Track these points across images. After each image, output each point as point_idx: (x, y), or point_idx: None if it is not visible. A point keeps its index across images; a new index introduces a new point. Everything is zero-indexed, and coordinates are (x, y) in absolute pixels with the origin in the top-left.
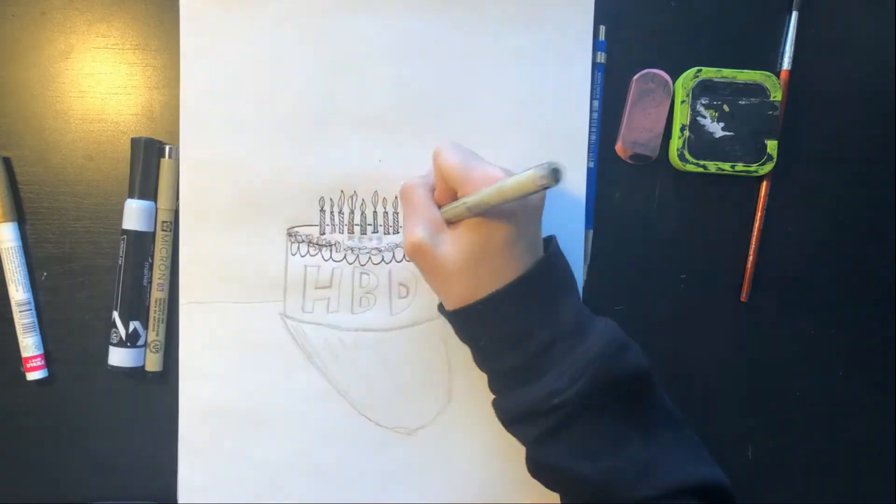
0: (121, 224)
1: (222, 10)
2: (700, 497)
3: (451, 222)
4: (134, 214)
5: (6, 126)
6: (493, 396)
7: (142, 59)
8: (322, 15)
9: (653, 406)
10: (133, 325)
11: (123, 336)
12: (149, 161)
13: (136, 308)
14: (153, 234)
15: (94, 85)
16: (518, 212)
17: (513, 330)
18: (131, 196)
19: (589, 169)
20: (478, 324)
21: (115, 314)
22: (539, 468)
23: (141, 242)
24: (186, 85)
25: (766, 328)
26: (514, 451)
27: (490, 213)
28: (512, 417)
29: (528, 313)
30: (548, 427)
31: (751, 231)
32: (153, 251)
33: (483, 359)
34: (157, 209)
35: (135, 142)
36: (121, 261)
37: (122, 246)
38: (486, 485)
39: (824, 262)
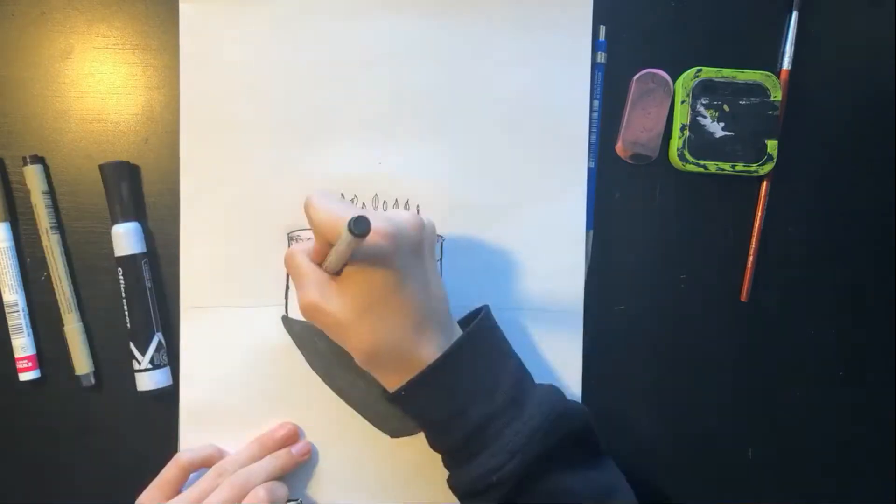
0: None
1: (222, 11)
2: None
3: (336, 275)
4: (123, 240)
5: (6, 126)
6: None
7: (142, 59)
8: (322, 17)
9: (602, 470)
10: (151, 348)
11: (146, 363)
12: (123, 183)
13: (150, 331)
14: (146, 252)
15: (94, 85)
16: (391, 253)
17: (444, 412)
18: (115, 221)
19: (589, 169)
20: (410, 408)
21: (132, 345)
22: None
23: (136, 265)
24: (186, 85)
25: (766, 328)
26: None
27: (364, 260)
28: (462, 494)
29: (458, 393)
30: (495, 502)
31: (751, 231)
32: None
33: (429, 439)
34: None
35: (104, 168)
36: (122, 291)
37: (120, 274)
38: None
39: (824, 262)
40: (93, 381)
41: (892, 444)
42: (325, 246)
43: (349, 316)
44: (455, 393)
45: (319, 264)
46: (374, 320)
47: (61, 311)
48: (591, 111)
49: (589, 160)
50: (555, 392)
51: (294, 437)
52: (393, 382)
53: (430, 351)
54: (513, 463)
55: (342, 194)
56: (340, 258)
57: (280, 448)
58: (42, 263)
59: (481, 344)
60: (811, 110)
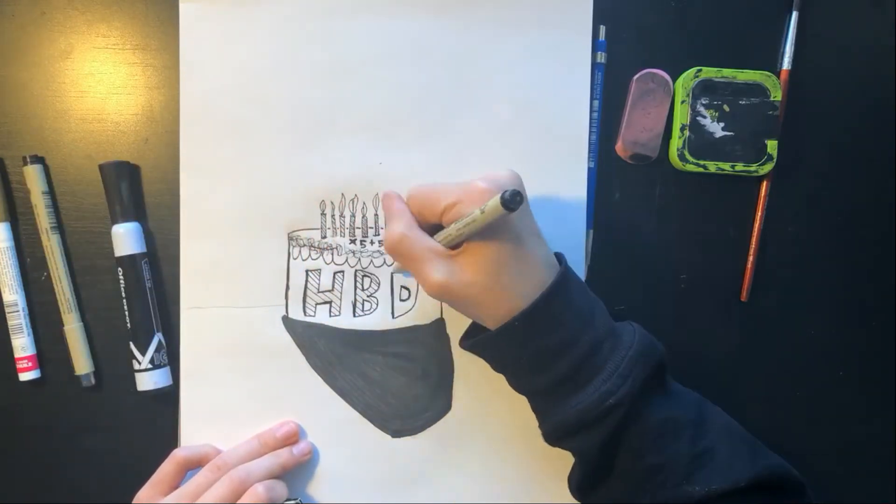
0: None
1: (222, 11)
2: (761, 491)
3: (452, 248)
4: (123, 240)
5: (6, 126)
6: (536, 419)
7: (142, 59)
8: (322, 17)
9: (688, 394)
10: (151, 348)
11: (146, 363)
12: (123, 183)
13: (150, 331)
14: (146, 252)
15: (94, 85)
16: (513, 216)
17: (557, 339)
18: (115, 221)
19: (589, 169)
20: (521, 339)
21: (132, 345)
22: (589, 480)
23: (137, 265)
24: (186, 85)
25: (766, 328)
26: (514, 453)
27: (483, 231)
28: (566, 431)
29: (567, 320)
30: (608, 432)
31: (751, 231)
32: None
33: (526, 377)
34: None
35: (104, 168)
36: (122, 291)
37: (120, 275)
38: (487, 487)
39: (824, 262)
40: (93, 381)
41: (892, 444)
42: (426, 228)
43: (485, 283)
44: (562, 321)
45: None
46: (506, 284)
47: (61, 311)
48: (592, 111)
49: (589, 160)
50: (637, 324)
51: (295, 436)
52: (479, 322)
53: (515, 299)
54: (626, 385)
55: (342, 194)
56: (471, 231)
57: (281, 446)
58: (42, 263)
59: (574, 279)
60: (811, 110)
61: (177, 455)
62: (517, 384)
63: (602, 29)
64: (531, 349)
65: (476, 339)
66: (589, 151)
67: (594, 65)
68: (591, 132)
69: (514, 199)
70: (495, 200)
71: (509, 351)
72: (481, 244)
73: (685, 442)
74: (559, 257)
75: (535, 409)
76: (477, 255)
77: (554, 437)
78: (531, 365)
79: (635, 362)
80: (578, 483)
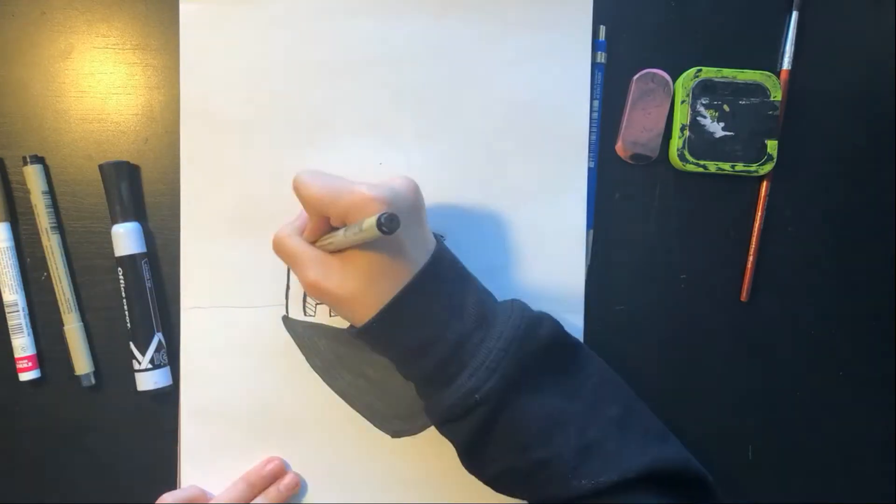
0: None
1: (222, 11)
2: (651, 484)
3: (333, 253)
4: (123, 240)
5: (6, 126)
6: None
7: (142, 59)
8: (322, 17)
9: (589, 384)
10: (151, 348)
11: (146, 363)
12: (123, 183)
13: (150, 331)
14: (146, 252)
15: (94, 85)
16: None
17: (418, 337)
18: (115, 221)
19: (589, 169)
20: (385, 336)
21: (132, 345)
22: (472, 466)
23: (137, 265)
24: (186, 85)
25: (766, 328)
26: None
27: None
28: (440, 420)
29: (430, 314)
30: (476, 425)
31: (751, 231)
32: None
33: (400, 369)
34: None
35: (104, 168)
36: (122, 291)
37: (120, 275)
38: (487, 488)
39: (824, 261)
40: (93, 381)
41: (892, 444)
42: (321, 223)
43: (355, 291)
44: (425, 316)
45: (312, 242)
46: (380, 289)
47: (61, 311)
48: (592, 111)
49: (589, 160)
50: (519, 304)
51: (281, 471)
52: (347, 317)
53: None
54: (493, 379)
55: None
56: (350, 243)
57: (268, 484)
58: (42, 263)
59: (441, 270)
60: (811, 110)
61: (163, 501)
62: (399, 371)
63: (602, 29)
64: (395, 346)
65: (349, 332)
66: (589, 151)
67: (594, 65)
68: (591, 132)
69: (389, 223)
70: (371, 221)
71: (377, 347)
72: (359, 252)
73: (572, 434)
74: (436, 242)
75: (418, 394)
76: (353, 261)
77: (434, 423)
78: (398, 360)
79: (504, 353)
80: (466, 465)
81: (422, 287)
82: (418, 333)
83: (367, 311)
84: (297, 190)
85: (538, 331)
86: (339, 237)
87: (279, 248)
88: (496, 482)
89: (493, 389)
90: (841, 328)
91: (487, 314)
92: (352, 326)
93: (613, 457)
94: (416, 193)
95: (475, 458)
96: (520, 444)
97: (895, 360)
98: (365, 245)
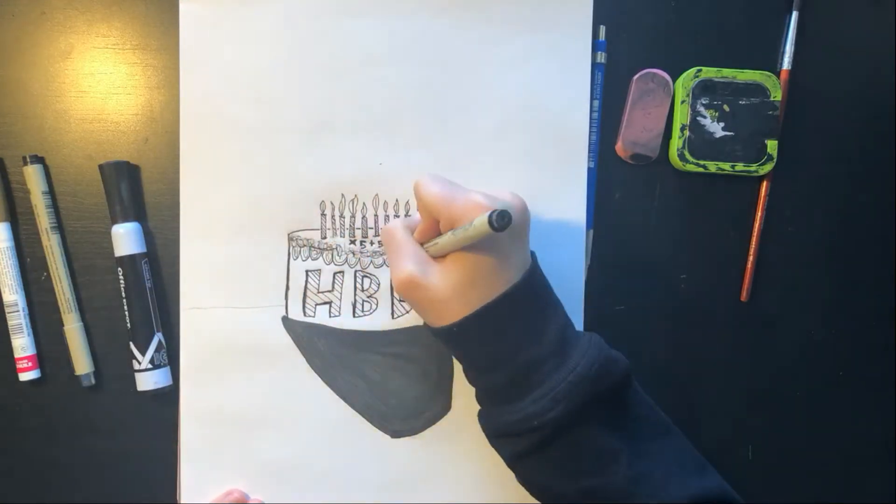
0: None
1: (221, 11)
2: None
3: (435, 257)
4: (123, 240)
5: (6, 126)
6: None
7: (142, 59)
8: (323, 17)
9: (639, 417)
10: (151, 348)
11: (146, 363)
12: (123, 183)
13: (150, 331)
14: (146, 252)
15: (94, 85)
16: (500, 238)
17: (497, 349)
18: (115, 221)
19: (589, 169)
20: (464, 341)
21: (132, 345)
22: (521, 481)
23: (137, 265)
24: (186, 85)
25: (766, 328)
26: None
27: (471, 245)
28: (493, 433)
29: (513, 331)
30: (527, 446)
31: (751, 231)
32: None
33: (470, 374)
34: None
35: (104, 168)
36: (122, 291)
37: (120, 275)
38: (487, 488)
39: (824, 261)
40: (93, 381)
41: (892, 444)
42: (432, 226)
43: (448, 294)
44: (502, 335)
45: (421, 243)
46: (471, 297)
47: (61, 311)
48: (592, 111)
49: (589, 160)
50: (598, 341)
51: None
52: (430, 318)
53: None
54: (556, 410)
55: (342, 194)
56: (458, 244)
57: None
58: (42, 263)
59: (531, 291)
60: (811, 110)
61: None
62: (465, 374)
63: (602, 29)
64: (466, 358)
65: (428, 329)
66: (589, 151)
67: (594, 65)
68: (591, 132)
69: (501, 220)
70: (482, 218)
71: (453, 348)
72: (462, 255)
73: (622, 466)
74: (532, 264)
75: (477, 399)
76: (456, 265)
77: (486, 433)
78: (474, 365)
79: (574, 387)
80: (510, 466)
81: (508, 305)
82: (492, 349)
83: (453, 313)
84: (417, 189)
85: (611, 371)
86: (447, 237)
87: (388, 236)
88: (538, 493)
89: (554, 419)
90: (841, 328)
91: (566, 345)
92: (428, 324)
93: (659, 490)
94: (524, 210)
95: (520, 468)
96: (570, 471)
97: (895, 361)
98: (470, 247)
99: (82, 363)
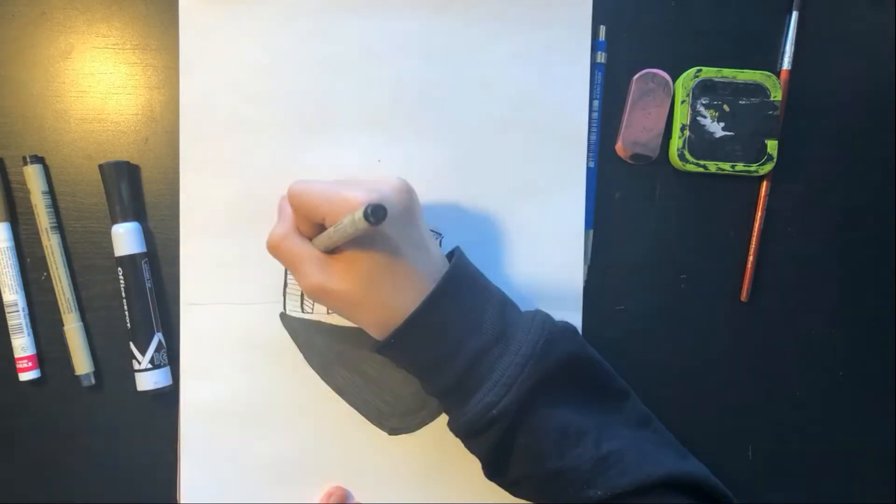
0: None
1: (221, 10)
2: (669, 490)
3: (329, 252)
4: (123, 240)
5: (6, 126)
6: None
7: (142, 59)
8: (322, 15)
9: (603, 393)
10: (151, 348)
11: (146, 363)
12: (123, 183)
13: (150, 331)
14: (146, 252)
15: (94, 85)
16: (390, 229)
17: (439, 351)
18: (115, 221)
19: (589, 169)
20: (401, 355)
21: (132, 345)
22: (493, 475)
23: (137, 265)
24: (186, 85)
25: (766, 328)
26: None
27: (358, 240)
28: (463, 435)
29: (450, 328)
30: (494, 440)
31: (751, 231)
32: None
33: (424, 384)
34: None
35: (104, 168)
36: (122, 291)
37: (120, 275)
38: (484, 486)
39: (824, 261)
40: (93, 381)
41: (892, 444)
42: (310, 226)
43: (358, 293)
44: (442, 333)
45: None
46: (381, 298)
47: (61, 311)
48: (591, 111)
49: (589, 160)
50: (541, 317)
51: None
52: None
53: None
54: (509, 396)
55: None
56: (341, 239)
57: None
58: (42, 263)
59: (460, 282)
60: (811, 110)
61: None
62: (422, 387)
63: (602, 29)
64: (413, 363)
65: (370, 348)
66: (589, 151)
67: (594, 64)
68: (591, 132)
69: (376, 214)
70: (358, 214)
71: (396, 362)
72: (356, 253)
73: (588, 446)
74: (452, 257)
75: (440, 409)
76: (351, 263)
77: (458, 437)
78: (418, 375)
79: (521, 369)
80: (487, 475)
81: (437, 303)
82: (434, 351)
83: (375, 316)
84: (293, 198)
85: (557, 347)
86: (329, 232)
87: (278, 250)
88: (515, 488)
89: (510, 405)
90: (841, 328)
91: (507, 328)
92: (370, 340)
93: (631, 468)
94: (407, 194)
95: (496, 469)
96: (536, 455)
97: (895, 360)
98: (361, 244)
99: (82, 363)
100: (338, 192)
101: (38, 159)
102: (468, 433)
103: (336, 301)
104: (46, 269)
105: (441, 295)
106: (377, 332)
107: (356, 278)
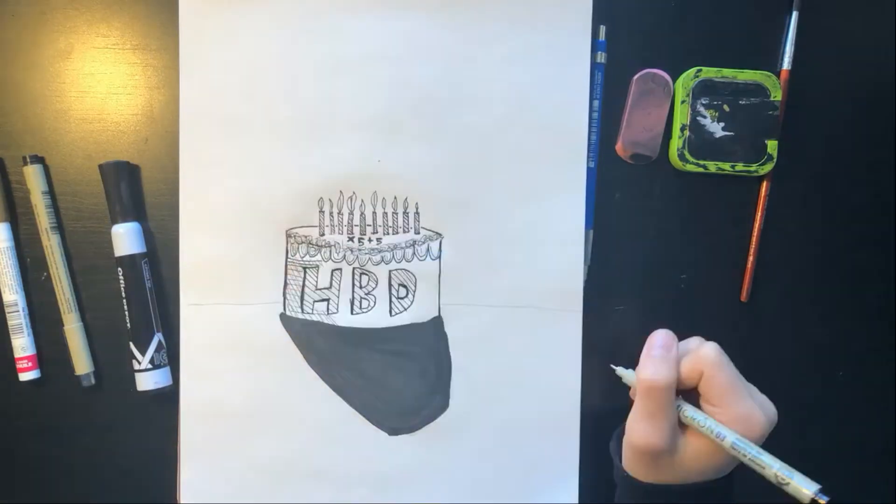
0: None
1: (221, 10)
2: None
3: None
4: (123, 240)
5: (6, 126)
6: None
7: (142, 59)
8: (322, 15)
9: None
10: (151, 348)
11: (146, 363)
12: (123, 183)
13: (150, 331)
14: (146, 252)
15: (94, 85)
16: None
17: None
18: (115, 221)
19: (589, 169)
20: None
21: (132, 345)
22: None
23: (137, 265)
24: (186, 85)
25: (766, 328)
26: (512, 452)
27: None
28: None
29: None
30: None
31: (751, 231)
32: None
33: None
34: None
35: (104, 167)
36: (122, 291)
37: (120, 275)
38: (485, 486)
39: (824, 262)
40: (93, 380)
41: (892, 444)
42: (683, 381)
43: (682, 474)
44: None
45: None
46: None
47: (61, 311)
48: (592, 111)
49: (589, 160)
50: None
51: None
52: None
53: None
54: None
55: (341, 191)
56: (723, 452)
57: None
58: (42, 263)
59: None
60: (811, 110)
61: None
62: None
63: (602, 29)
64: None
65: (621, 476)
66: (589, 151)
67: (594, 65)
68: (591, 132)
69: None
70: (807, 493)
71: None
72: (712, 455)
73: None
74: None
75: None
76: (702, 458)
77: None
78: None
79: None
80: None
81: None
82: None
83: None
84: (709, 365)
85: None
86: (722, 443)
87: (652, 392)
88: None
89: None
90: (841, 328)
91: None
92: (631, 476)
93: None
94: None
95: None
96: None
97: (895, 360)
98: (716, 456)
99: (82, 363)
100: (745, 392)
101: (39, 159)
102: None
103: (658, 471)
104: (46, 269)
105: (712, 487)
106: (647, 459)
107: (695, 468)
